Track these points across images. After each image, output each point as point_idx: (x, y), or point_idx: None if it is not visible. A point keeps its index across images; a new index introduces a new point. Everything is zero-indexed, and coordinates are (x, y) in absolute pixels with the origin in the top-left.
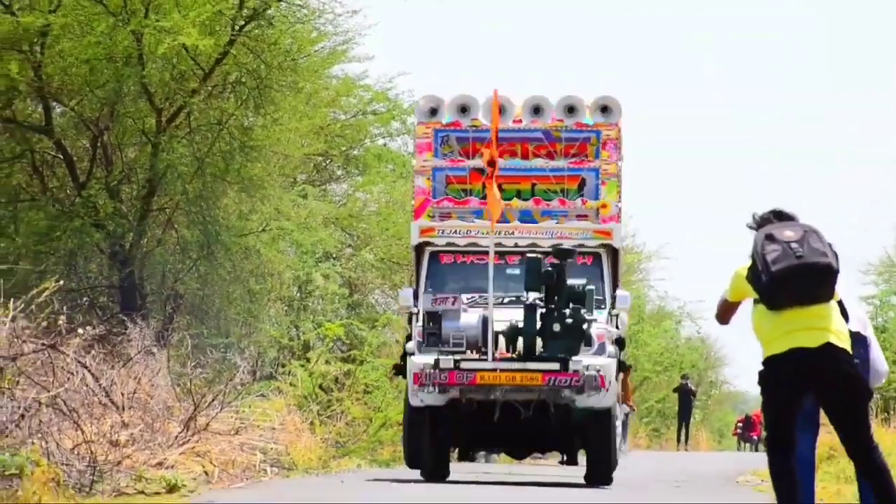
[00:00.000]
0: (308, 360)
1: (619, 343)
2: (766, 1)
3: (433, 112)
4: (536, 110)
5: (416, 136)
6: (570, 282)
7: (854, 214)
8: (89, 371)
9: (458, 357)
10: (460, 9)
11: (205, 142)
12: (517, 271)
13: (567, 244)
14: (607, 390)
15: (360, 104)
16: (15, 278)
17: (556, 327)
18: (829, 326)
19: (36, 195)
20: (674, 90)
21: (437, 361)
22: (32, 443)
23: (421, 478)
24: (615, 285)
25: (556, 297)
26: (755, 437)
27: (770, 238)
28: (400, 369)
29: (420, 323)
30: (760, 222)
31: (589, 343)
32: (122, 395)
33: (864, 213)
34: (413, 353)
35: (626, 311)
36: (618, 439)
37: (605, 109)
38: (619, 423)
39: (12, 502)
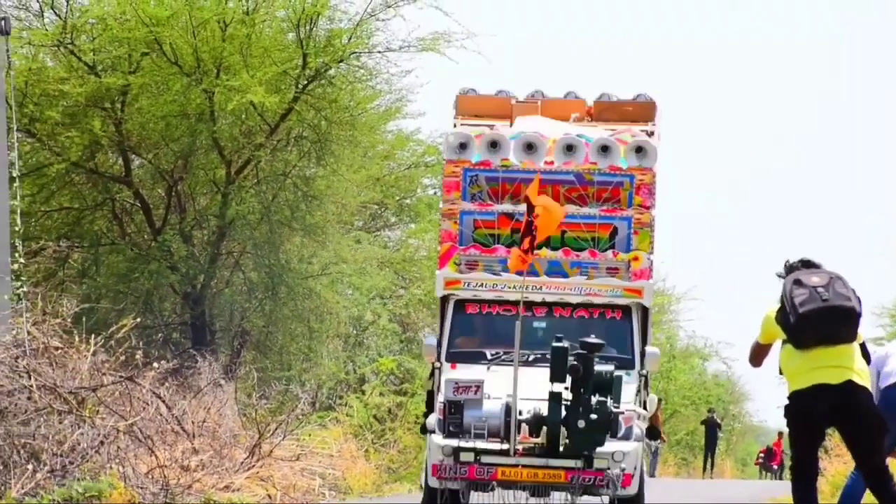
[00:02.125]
0: (363, 393)
1: (651, 433)
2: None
3: (462, 147)
4: (570, 149)
5: (444, 175)
6: (597, 368)
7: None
8: (163, 401)
9: (479, 447)
10: (507, 63)
11: (270, 191)
12: (544, 324)
13: (597, 301)
14: (631, 485)
15: (413, 157)
16: (96, 316)
17: (581, 423)
18: (851, 366)
19: (116, 240)
20: (706, 130)
21: (456, 453)
22: (111, 467)
23: None
24: (644, 341)
25: (581, 390)
26: (776, 467)
27: (798, 283)
28: (424, 429)
29: (440, 406)
30: (789, 270)
31: (616, 432)
32: (193, 423)
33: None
34: (433, 431)
35: (655, 368)
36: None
37: (639, 150)
38: (646, 452)
39: None
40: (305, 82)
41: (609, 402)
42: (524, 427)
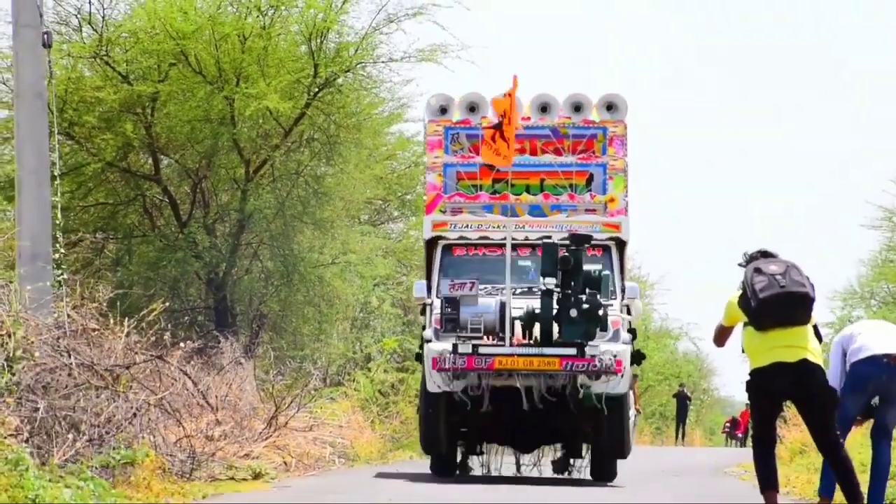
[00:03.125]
0: (369, 370)
1: (632, 333)
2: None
3: (443, 110)
4: (544, 108)
5: (427, 134)
6: (585, 267)
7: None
8: (189, 378)
9: (476, 342)
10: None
11: (284, 188)
12: (528, 263)
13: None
14: (623, 376)
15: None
16: (129, 301)
17: (573, 313)
18: (806, 345)
19: (146, 232)
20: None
21: (455, 346)
22: (143, 437)
23: (429, 471)
24: (623, 277)
25: (572, 283)
26: (740, 435)
27: (758, 271)
28: (420, 358)
29: (437, 310)
30: (749, 260)
31: (605, 329)
32: (216, 397)
33: (841, 242)
34: (430, 340)
35: (638, 302)
36: (632, 430)
37: (610, 107)
38: (633, 413)
39: (126, 486)
40: (316, 90)
41: (599, 296)
42: (518, 327)
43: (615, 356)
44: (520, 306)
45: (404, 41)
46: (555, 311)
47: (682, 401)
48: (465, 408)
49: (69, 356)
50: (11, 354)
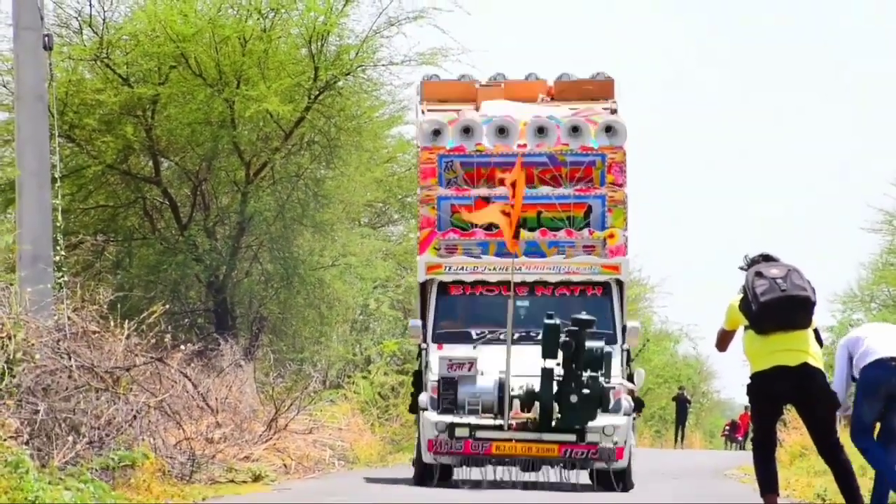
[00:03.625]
0: (369, 372)
1: (637, 404)
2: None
3: (436, 133)
4: (541, 131)
5: (420, 162)
6: (588, 344)
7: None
8: (189, 380)
9: (473, 423)
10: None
11: (285, 191)
12: (525, 303)
13: (575, 279)
14: (622, 458)
15: (413, 160)
16: (129, 303)
17: (573, 399)
18: (807, 349)
19: (147, 235)
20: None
21: (451, 428)
22: (143, 439)
23: (389, 485)
24: (623, 316)
25: (573, 365)
26: (740, 438)
27: (759, 275)
28: (413, 408)
29: (433, 376)
30: (750, 263)
31: (606, 410)
32: (216, 400)
33: (842, 245)
34: (426, 409)
35: (635, 342)
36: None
37: (609, 130)
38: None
39: (126, 489)
40: (317, 93)
41: (600, 377)
42: (517, 403)
43: (615, 442)
44: (519, 375)
45: (405, 44)
46: (555, 392)
47: (682, 404)
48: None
49: (69, 358)
50: (12, 357)
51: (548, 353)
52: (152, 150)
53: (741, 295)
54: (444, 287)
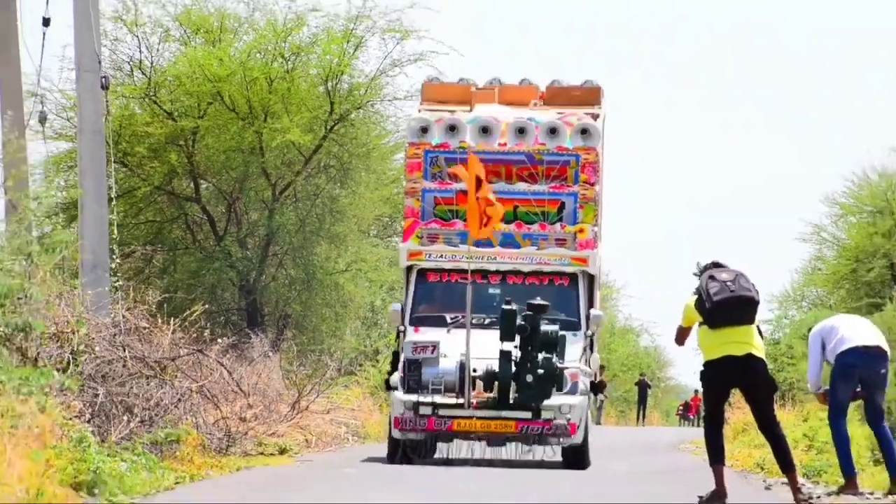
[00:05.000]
0: (377, 361)
1: (596, 387)
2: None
3: (423, 131)
4: (521, 131)
5: (407, 157)
6: (543, 328)
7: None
8: (225, 368)
9: (436, 401)
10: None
11: (305, 208)
12: (497, 291)
13: (546, 269)
14: (576, 434)
15: None
16: (174, 303)
17: (529, 378)
18: (751, 342)
19: (188, 245)
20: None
21: (416, 406)
22: (186, 419)
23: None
24: (591, 305)
25: (529, 347)
26: (692, 417)
27: (712, 278)
28: (389, 386)
29: (401, 369)
30: (703, 269)
31: (561, 389)
32: (248, 385)
33: (777, 252)
34: (396, 388)
35: (599, 328)
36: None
37: (584, 132)
38: (592, 408)
39: (173, 460)
40: (332, 124)
41: (555, 358)
42: (478, 384)
43: (569, 419)
44: (482, 356)
45: (406, 83)
46: (513, 372)
47: (643, 388)
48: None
49: (124, 350)
50: (76, 349)
51: (506, 336)
52: (193, 173)
53: (696, 296)
54: (422, 274)
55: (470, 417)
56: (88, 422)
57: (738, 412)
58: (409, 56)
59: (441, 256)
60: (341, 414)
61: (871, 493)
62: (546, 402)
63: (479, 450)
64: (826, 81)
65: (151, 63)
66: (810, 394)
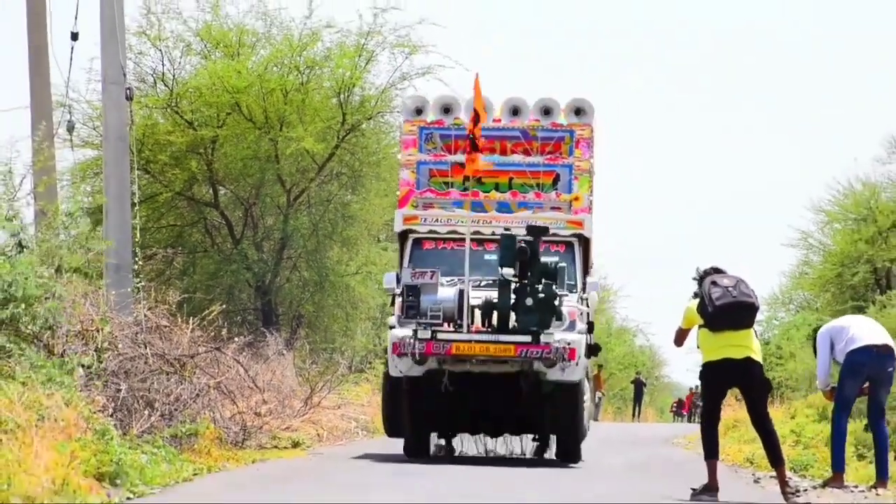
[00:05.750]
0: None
1: (590, 326)
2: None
3: (418, 111)
4: (515, 111)
5: (403, 134)
6: (543, 259)
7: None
8: (242, 365)
9: (435, 328)
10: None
11: (318, 213)
12: (494, 257)
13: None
14: (577, 364)
15: None
16: (193, 304)
17: (529, 302)
18: (750, 345)
19: (207, 248)
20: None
21: (415, 332)
22: (204, 413)
23: (401, 452)
24: (586, 272)
25: (529, 273)
26: (685, 414)
27: (714, 283)
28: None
29: (400, 297)
30: (703, 275)
31: (560, 319)
32: (263, 381)
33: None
34: (394, 327)
35: (595, 294)
36: (587, 415)
37: (578, 111)
38: (590, 404)
39: (191, 453)
40: (344, 134)
41: (554, 287)
42: (477, 316)
43: (569, 344)
44: (479, 296)
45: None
46: (512, 301)
47: (639, 386)
48: (428, 391)
49: (146, 348)
50: (100, 346)
51: (505, 262)
52: (212, 180)
53: (697, 300)
54: (418, 241)
55: (469, 341)
56: (111, 416)
57: (728, 409)
58: (417, 70)
59: (437, 221)
60: (351, 409)
61: (856, 487)
62: (545, 333)
63: (480, 446)
64: (824, 86)
65: (173, 75)
66: (800, 391)
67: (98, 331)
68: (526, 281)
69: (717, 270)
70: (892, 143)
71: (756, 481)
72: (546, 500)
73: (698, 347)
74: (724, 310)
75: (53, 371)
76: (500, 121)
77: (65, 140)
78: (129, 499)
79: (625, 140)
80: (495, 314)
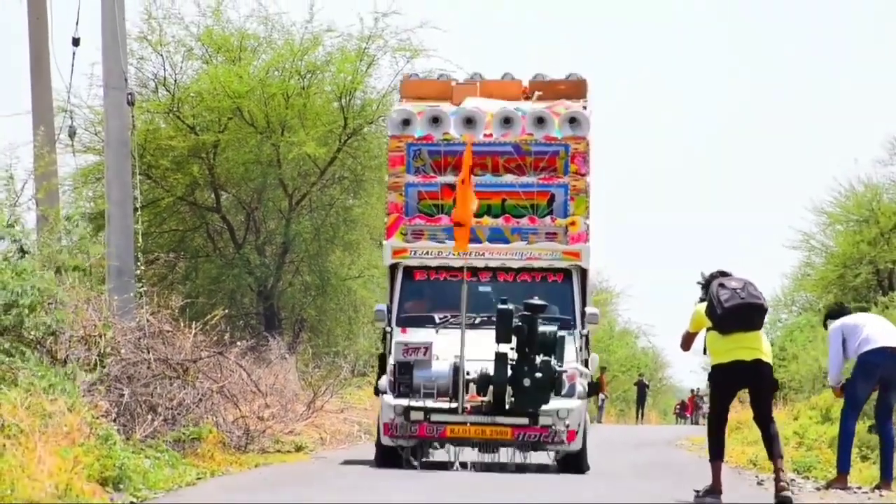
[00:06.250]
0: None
1: (592, 388)
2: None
3: (405, 123)
4: (507, 121)
5: (389, 150)
6: (541, 329)
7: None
8: (244, 370)
9: (428, 406)
10: None
11: (320, 217)
12: (489, 289)
13: (537, 265)
14: (574, 441)
15: None
16: (196, 308)
17: (526, 382)
18: (760, 347)
19: (209, 253)
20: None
21: (407, 412)
22: (207, 417)
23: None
24: (584, 302)
25: (526, 349)
26: (688, 416)
27: (722, 286)
28: (378, 391)
29: (392, 368)
30: (710, 278)
31: (560, 390)
32: (266, 385)
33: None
34: (385, 392)
35: (595, 327)
36: (588, 424)
37: (573, 121)
38: (587, 416)
39: (194, 457)
40: (346, 138)
41: (553, 361)
42: (472, 387)
43: (567, 426)
44: (476, 358)
45: None
46: (509, 376)
47: (641, 388)
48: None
49: (148, 352)
50: (103, 351)
51: (501, 338)
52: (214, 184)
53: (704, 303)
54: (409, 272)
55: (464, 423)
56: (114, 420)
57: (731, 411)
58: (418, 73)
59: (427, 253)
60: (354, 413)
61: (860, 488)
62: (543, 407)
63: (473, 453)
64: (825, 87)
65: (175, 80)
66: (803, 393)
67: (101, 336)
68: (523, 358)
69: (723, 274)
70: (893, 145)
71: (759, 483)
72: (547, 500)
73: (705, 352)
74: (734, 311)
75: (56, 377)
76: (491, 136)
77: (66, 145)
78: (132, 503)
79: (625, 140)
80: (490, 388)
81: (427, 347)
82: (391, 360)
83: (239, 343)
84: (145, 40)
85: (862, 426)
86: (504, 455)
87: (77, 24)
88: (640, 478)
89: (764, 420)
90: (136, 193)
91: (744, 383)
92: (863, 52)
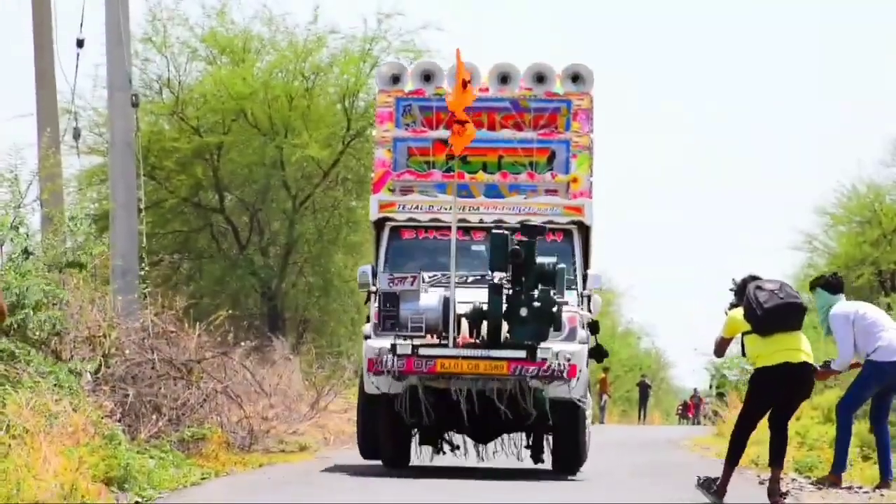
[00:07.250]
0: None
1: (593, 327)
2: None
3: (395, 79)
4: (504, 79)
5: (378, 105)
6: (539, 260)
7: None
8: (248, 370)
9: (416, 342)
10: None
11: (323, 218)
12: (482, 248)
13: (535, 220)
14: (577, 380)
15: None
16: (200, 309)
17: (524, 311)
18: (804, 348)
19: (213, 254)
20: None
21: (393, 346)
22: (211, 418)
23: (380, 463)
24: (586, 264)
25: (523, 278)
26: (690, 416)
27: (759, 288)
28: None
29: (376, 304)
30: (742, 283)
31: (559, 328)
32: (270, 386)
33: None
34: (369, 337)
35: (597, 292)
36: (588, 437)
37: (576, 78)
38: (590, 413)
39: (199, 457)
40: (349, 140)
41: (552, 292)
42: (464, 325)
43: (569, 359)
44: (467, 300)
45: None
46: (504, 309)
47: (644, 388)
48: (410, 408)
49: (153, 353)
50: (107, 352)
51: (496, 265)
52: (218, 186)
53: (741, 307)
54: (396, 230)
55: (455, 357)
56: (119, 421)
57: (734, 411)
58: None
59: (417, 207)
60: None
61: (860, 488)
62: (542, 346)
63: (473, 454)
64: (827, 89)
65: (179, 82)
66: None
67: (105, 336)
68: (520, 287)
69: (754, 278)
70: (895, 146)
71: (762, 483)
72: (547, 500)
73: (743, 355)
74: (774, 312)
75: (61, 376)
76: (487, 90)
77: (71, 147)
78: (137, 503)
79: (625, 141)
80: (485, 324)
81: (415, 276)
82: (376, 301)
83: (243, 344)
84: (149, 42)
85: (863, 426)
86: (499, 455)
87: (81, 25)
88: (642, 479)
89: (782, 423)
90: (140, 195)
91: (788, 386)
92: (868, 53)
